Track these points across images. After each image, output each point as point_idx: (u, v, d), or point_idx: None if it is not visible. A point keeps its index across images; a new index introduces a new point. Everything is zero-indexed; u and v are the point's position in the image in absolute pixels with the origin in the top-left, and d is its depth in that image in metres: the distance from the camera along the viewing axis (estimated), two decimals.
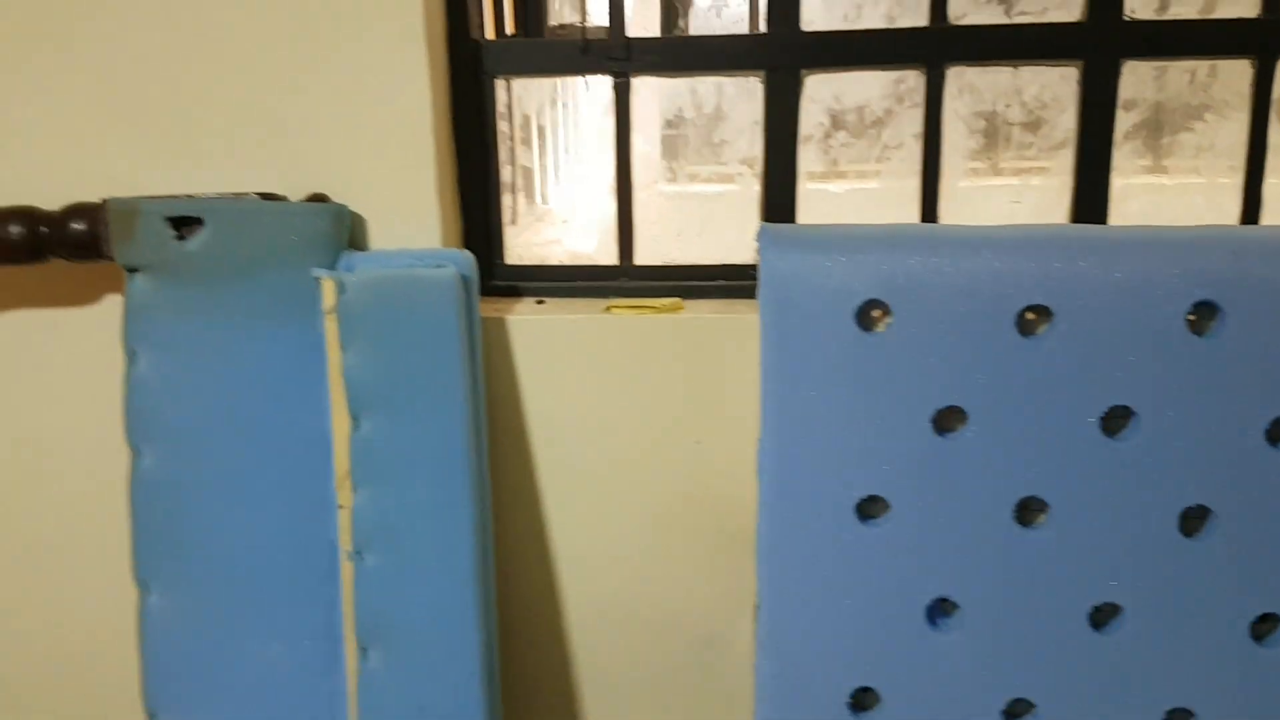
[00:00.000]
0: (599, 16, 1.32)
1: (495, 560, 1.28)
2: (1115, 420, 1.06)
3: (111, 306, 1.27)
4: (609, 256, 1.35)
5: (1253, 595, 1.05)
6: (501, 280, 1.34)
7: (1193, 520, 1.06)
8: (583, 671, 1.33)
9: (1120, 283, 1.05)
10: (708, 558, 1.28)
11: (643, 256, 1.34)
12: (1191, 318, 1.05)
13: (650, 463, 1.27)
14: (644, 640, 1.31)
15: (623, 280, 1.33)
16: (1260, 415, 1.04)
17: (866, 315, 1.10)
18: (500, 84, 1.30)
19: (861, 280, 1.09)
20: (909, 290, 1.08)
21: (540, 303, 1.31)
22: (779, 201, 1.28)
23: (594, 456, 1.28)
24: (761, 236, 1.13)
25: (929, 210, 1.28)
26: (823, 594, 1.13)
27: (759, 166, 1.30)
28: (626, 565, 1.30)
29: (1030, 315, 1.08)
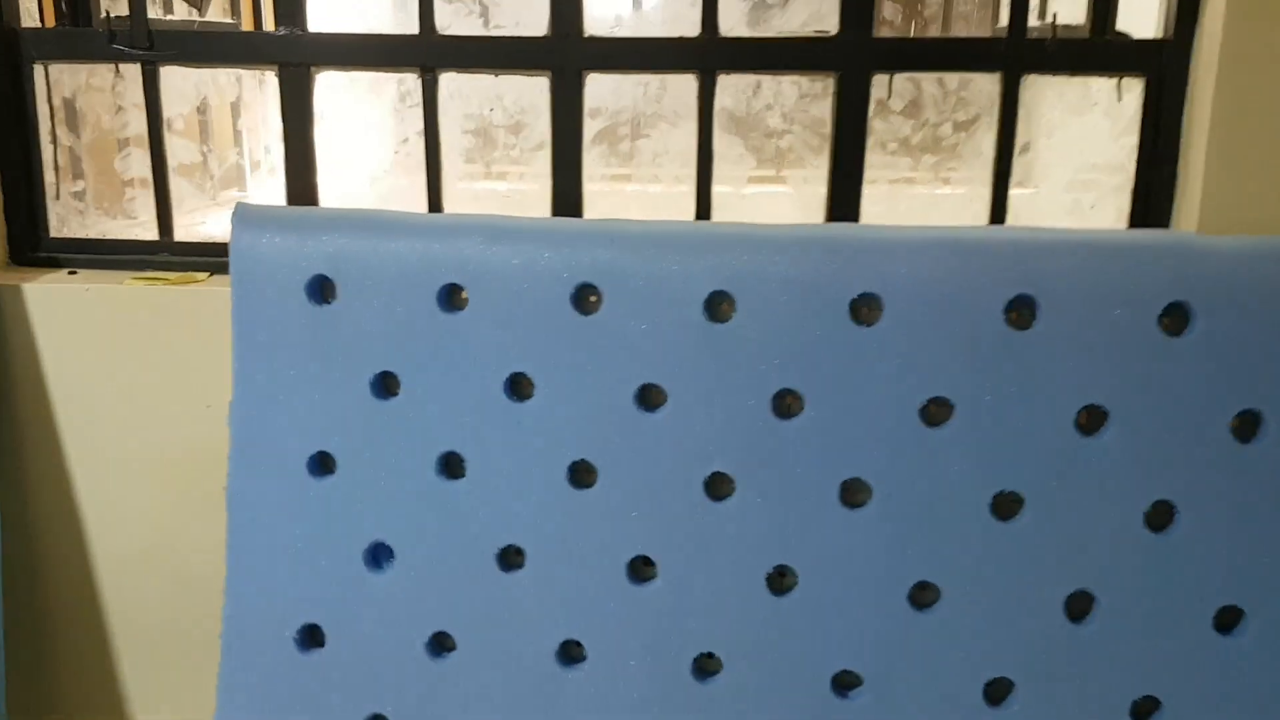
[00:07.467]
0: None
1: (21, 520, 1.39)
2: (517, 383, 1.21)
3: None
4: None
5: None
6: (44, 252, 1.42)
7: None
8: (109, 615, 1.44)
9: (519, 265, 1.19)
10: (215, 510, 1.39)
11: (185, 234, 1.44)
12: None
13: (166, 426, 1.38)
14: (161, 585, 1.42)
15: (164, 255, 1.43)
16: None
17: (320, 288, 1.22)
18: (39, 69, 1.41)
19: (310, 258, 1.21)
20: (351, 268, 1.20)
21: (72, 273, 1.40)
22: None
23: (114, 421, 1.39)
24: (235, 215, 1.24)
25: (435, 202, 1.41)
26: (278, 541, 1.24)
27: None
28: (147, 518, 1.40)
29: (463, 294, 1.21)
